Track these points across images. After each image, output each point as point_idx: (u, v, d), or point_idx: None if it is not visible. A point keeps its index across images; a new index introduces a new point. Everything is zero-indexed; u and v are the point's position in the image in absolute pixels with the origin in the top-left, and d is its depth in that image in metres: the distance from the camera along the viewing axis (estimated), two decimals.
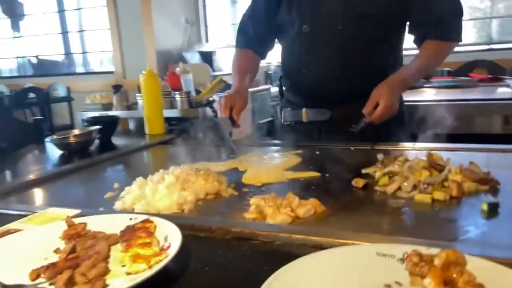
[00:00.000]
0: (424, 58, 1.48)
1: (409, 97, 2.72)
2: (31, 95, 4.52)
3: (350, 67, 1.50)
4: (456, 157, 1.24)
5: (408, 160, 1.11)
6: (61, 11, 5.72)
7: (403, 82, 1.44)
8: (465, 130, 2.34)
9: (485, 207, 0.85)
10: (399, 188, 0.99)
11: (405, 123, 1.62)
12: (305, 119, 1.62)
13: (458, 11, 1.44)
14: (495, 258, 0.60)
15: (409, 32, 1.53)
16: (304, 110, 1.62)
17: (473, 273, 0.53)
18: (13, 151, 1.80)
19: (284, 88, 1.75)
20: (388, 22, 1.47)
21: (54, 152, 1.68)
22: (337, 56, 1.49)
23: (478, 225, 0.79)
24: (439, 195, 0.92)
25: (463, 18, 1.46)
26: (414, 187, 0.97)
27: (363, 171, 1.15)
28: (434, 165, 1.04)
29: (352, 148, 1.46)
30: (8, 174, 1.43)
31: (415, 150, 1.38)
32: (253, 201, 0.92)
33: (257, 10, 1.63)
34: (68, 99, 5.05)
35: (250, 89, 2.35)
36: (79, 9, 5.63)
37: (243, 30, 1.69)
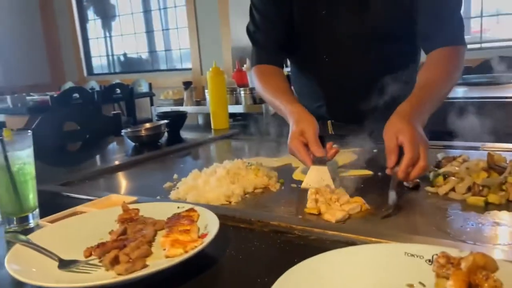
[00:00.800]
0: (434, 73, 1.20)
1: (494, 93, 2.54)
2: (118, 90, 4.89)
3: (376, 90, 1.37)
4: None
5: (467, 160, 1.06)
6: (146, 11, 6.12)
7: (419, 108, 1.06)
8: None
9: None
10: (453, 190, 0.95)
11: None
12: (331, 131, 1.57)
13: (458, 9, 1.29)
14: None
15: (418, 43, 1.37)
16: (329, 122, 1.57)
17: (500, 279, 0.51)
18: (94, 142, 2.00)
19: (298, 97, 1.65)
20: (403, 37, 1.36)
21: (128, 143, 1.83)
22: (362, 81, 1.42)
23: None
24: (494, 198, 0.87)
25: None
26: (469, 189, 0.93)
27: None
28: (494, 167, 0.98)
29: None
30: (86, 162, 1.59)
31: (483, 150, 1.30)
32: (310, 195, 0.92)
33: (267, 21, 1.44)
34: (150, 94, 5.39)
35: None
36: (163, 8, 5.96)
37: (258, 43, 1.48)
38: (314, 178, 1.00)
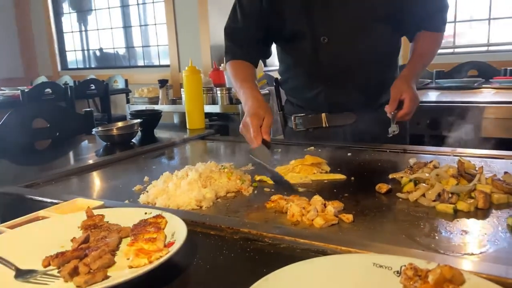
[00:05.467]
0: (426, 49, 1.53)
1: (465, 98, 2.59)
2: (92, 86, 4.78)
3: (374, 72, 1.52)
4: (498, 165, 1.18)
5: (437, 167, 1.07)
6: (124, 6, 6.00)
7: (416, 75, 1.49)
8: None
9: (510, 221, 0.80)
10: (424, 196, 0.96)
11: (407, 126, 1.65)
12: (325, 124, 1.59)
13: (446, 5, 1.53)
14: (501, 278, 0.57)
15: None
16: (323, 115, 1.59)
17: None
18: (65, 140, 1.94)
19: (284, 93, 1.72)
20: (398, 21, 1.48)
21: (99, 142, 1.78)
22: (361, 63, 1.49)
23: (498, 240, 0.74)
24: (463, 205, 0.88)
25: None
26: (439, 195, 0.93)
27: (390, 176, 1.12)
28: (464, 174, 0.99)
29: (387, 151, 1.42)
30: (54, 162, 1.54)
31: (454, 156, 1.31)
32: (291, 208, 0.89)
33: (249, 18, 1.53)
34: (126, 91, 5.30)
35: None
36: (141, 4, 5.85)
37: (234, 40, 1.58)
38: (261, 154, 1.17)
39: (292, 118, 1.66)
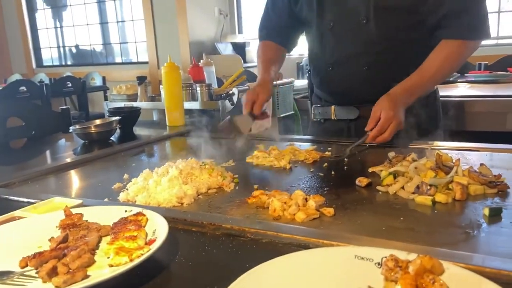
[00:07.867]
0: (432, 64, 1.35)
1: (441, 92, 2.63)
2: (69, 84, 4.69)
3: (378, 64, 1.44)
4: (473, 157, 1.21)
5: (416, 160, 1.09)
6: (100, 1, 5.89)
7: (407, 92, 1.33)
8: (500, 128, 2.24)
9: (486, 212, 0.81)
10: (403, 189, 0.97)
11: (439, 120, 1.60)
12: (334, 116, 1.59)
13: (474, 4, 1.31)
14: (479, 267, 0.59)
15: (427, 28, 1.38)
16: (332, 107, 1.59)
17: (445, 282, 0.52)
18: (41, 139, 1.89)
19: (313, 83, 1.71)
20: (415, 15, 1.36)
21: (77, 141, 1.75)
22: (364, 52, 1.43)
23: (475, 230, 0.76)
24: (441, 197, 0.89)
25: (484, 12, 1.32)
26: (418, 188, 0.95)
27: (370, 169, 1.13)
28: (442, 167, 1.01)
29: (367, 145, 1.43)
30: (30, 161, 1.50)
31: (432, 149, 1.34)
32: (272, 203, 0.89)
33: (278, 2, 1.61)
34: (103, 88, 5.21)
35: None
36: None
37: (265, 22, 1.68)
38: (241, 118, 1.35)
39: (312, 108, 1.67)
